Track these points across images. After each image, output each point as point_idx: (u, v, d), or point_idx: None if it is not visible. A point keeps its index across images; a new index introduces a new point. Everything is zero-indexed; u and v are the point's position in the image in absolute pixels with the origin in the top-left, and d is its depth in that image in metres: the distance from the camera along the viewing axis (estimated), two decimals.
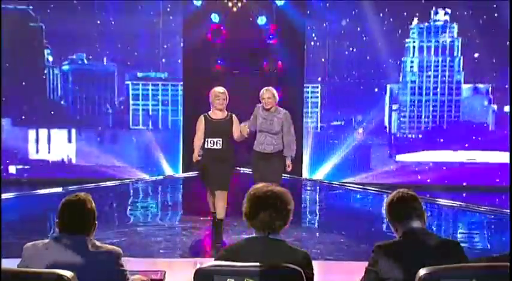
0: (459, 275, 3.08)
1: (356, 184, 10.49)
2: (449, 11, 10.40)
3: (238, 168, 9.69)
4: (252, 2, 10.87)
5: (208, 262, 3.26)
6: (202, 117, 6.95)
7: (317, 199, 10.15)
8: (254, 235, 3.42)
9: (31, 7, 10.55)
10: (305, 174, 10.74)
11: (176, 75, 10.94)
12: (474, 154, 10.41)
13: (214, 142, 6.85)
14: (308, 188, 10.52)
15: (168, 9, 11.01)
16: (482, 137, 10.43)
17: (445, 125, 10.51)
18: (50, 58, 10.98)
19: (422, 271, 3.09)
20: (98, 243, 3.47)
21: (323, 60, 10.69)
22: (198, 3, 11.00)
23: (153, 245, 7.14)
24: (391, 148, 10.63)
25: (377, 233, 7.62)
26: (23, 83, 10.69)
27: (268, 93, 6.88)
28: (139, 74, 10.97)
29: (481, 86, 10.46)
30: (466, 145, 10.38)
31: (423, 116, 10.59)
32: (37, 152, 10.88)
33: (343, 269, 4.59)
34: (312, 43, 10.77)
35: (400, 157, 10.62)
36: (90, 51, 11.01)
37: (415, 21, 10.53)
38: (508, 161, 9.95)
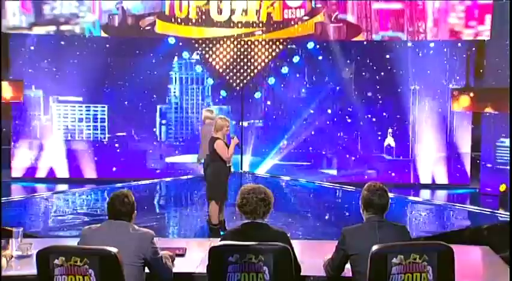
0: (401, 251, 3.12)
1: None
2: (198, 52, 10.70)
3: None
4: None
5: (219, 242, 3.36)
6: (221, 141, 6.43)
7: None
8: (245, 220, 3.52)
9: None
10: None
11: (90, 99, 10.72)
12: None
13: (230, 161, 6.55)
14: None
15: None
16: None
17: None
18: None
19: (374, 247, 3.14)
20: (136, 227, 3.51)
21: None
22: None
23: (177, 228, 7.22)
24: (161, 152, 10.90)
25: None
26: None
27: None
28: (61, 98, 10.73)
29: (224, 107, 10.91)
30: None
31: (184, 128, 10.94)
32: None
33: (319, 246, 4.62)
34: None
35: (168, 159, 10.90)
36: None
37: (175, 58, 10.78)
38: None
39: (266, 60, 10.78)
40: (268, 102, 11.10)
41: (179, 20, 10.18)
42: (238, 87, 10.88)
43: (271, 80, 10.95)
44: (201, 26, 10.21)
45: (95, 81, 10.36)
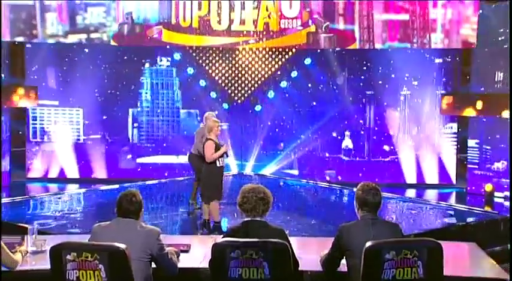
0: (393, 247, 3.14)
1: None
2: (169, 58, 10.73)
3: None
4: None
5: (222, 238, 3.37)
6: (212, 142, 6.37)
7: None
8: (245, 218, 3.53)
9: None
10: None
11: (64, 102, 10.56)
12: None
13: (222, 161, 6.48)
14: None
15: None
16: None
17: (170, 137, 10.85)
18: None
19: (368, 244, 3.16)
20: (143, 224, 3.52)
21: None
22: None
23: (181, 225, 7.21)
24: (133, 154, 10.85)
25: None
26: None
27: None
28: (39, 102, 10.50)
29: (192, 111, 10.89)
30: (183, 150, 10.31)
31: (155, 131, 10.92)
32: None
33: (316, 243, 4.62)
34: None
35: (139, 160, 10.83)
36: None
37: (147, 65, 10.79)
38: None
39: (266, 76, 10.80)
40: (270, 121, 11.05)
41: (183, 29, 10.21)
42: (239, 101, 10.89)
43: (271, 94, 10.94)
44: (202, 35, 10.23)
45: (85, 87, 10.42)
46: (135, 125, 10.91)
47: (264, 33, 10.14)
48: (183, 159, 9.80)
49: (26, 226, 4.30)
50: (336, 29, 10.05)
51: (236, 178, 10.39)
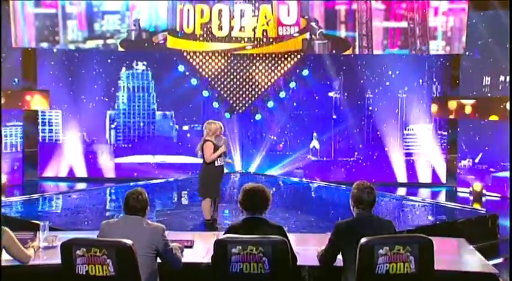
0: (387, 243, 3.14)
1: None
2: (145, 62, 10.76)
3: None
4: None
5: (223, 235, 3.36)
6: (210, 143, 6.34)
7: None
8: (245, 216, 3.52)
9: None
10: None
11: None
12: (163, 157, 10.80)
13: (220, 161, 6.45)
14: None
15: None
16: (170, 145, 10.79)
17: (146, 138, 10.86)
18: None
19: (362, 240, 3.16)
20: (149, 221, 3.52)
21: None
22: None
23: (185, 222, 7.20)
24: (111, 154, 10.80)
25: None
26: None
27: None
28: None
29: (167, 112, 10.89)
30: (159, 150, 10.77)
31: (132, 132, 10.89)
32: None
33: (314, 239, 4.61)
34: None
35: (117, 160, 10.78)
36: None
37: (123, 69, 10.80)
38: None
39: (266, 86, 10.70)
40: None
41: (186, 35, 10.21)
42: (240, 110, 10.82)
43: (271, 104, 10.88)
44: (204, 41, 10.22)
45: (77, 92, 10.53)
46: (113, 126, 10.90)
47: (264, 39, 10.14)
48: (159, 158, 9.98)
49: (38, 222, 4.28)
50: (334, 36, 10.03)
51: (237, 177, 10.37)
